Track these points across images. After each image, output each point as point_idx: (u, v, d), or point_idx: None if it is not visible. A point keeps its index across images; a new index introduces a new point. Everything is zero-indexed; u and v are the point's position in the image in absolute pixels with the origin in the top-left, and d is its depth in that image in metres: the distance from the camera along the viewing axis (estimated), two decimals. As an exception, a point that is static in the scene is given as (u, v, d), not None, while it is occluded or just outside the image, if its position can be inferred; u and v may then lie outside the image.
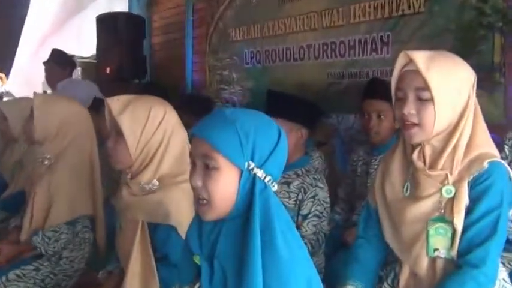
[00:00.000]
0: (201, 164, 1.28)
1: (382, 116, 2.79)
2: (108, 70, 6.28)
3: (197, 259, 1.32)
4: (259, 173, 1.24)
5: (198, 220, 1.36)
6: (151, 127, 1.92)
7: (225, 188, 1.24)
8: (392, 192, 1.77)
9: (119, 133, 1.91)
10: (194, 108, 3.95)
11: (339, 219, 2.98)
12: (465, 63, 1.69)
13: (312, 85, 4.39)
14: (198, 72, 5.91)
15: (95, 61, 6.85)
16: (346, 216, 3.00)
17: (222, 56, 5.33)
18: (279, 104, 2.46)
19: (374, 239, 1.85)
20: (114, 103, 1.92)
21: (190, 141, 1.32)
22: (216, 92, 5.26)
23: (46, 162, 2.42)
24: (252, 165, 1.24)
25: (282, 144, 1.28)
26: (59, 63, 5.17)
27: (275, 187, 1.27)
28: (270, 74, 4.98)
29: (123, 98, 1.96)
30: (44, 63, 5.24)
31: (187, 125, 3.19)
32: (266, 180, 1.25)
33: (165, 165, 1.93)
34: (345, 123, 4.08)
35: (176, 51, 6.12)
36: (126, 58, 6.17)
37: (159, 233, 1.84)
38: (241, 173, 1.24)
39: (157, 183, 1.92)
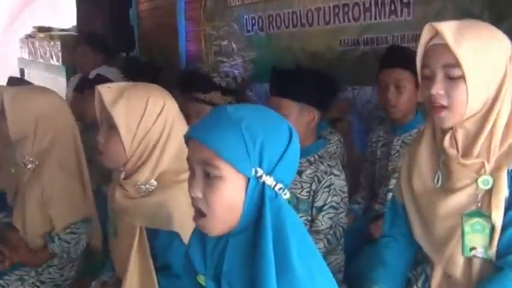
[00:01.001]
0: (201, 172, 1.25)
1: (401, 87, 2.77)
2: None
3: (201, 279, 1.30)
4: (269, 180, 1.22)
5: (199, 234, 1.34)
6: (149, 119, 1.91)
7: (230, 199, 1.22)
8: (421, 185, 1.76)
9: (111, 126, 1.90)
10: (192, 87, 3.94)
11: (358, 209, 2.98)
12: (500, 33, 1.65)
13: (322, 54, 4.36)
14: (193, 43, 5.87)
15: (75, 33, 6.83)
16: (367, 204, 3.01)
17: (219, 24, 5.28)
18: (285, 82, 2.43)
19: (401, 237, 1.85)
20: (106, 92, 1.91)
21: (187, 142, 1.30)
22: (214, 65, 5.22)
23: (30, 166, 2.41)
24: (261, 172, 1.21)
25: (294, 146, 1.26)
26: (92, 48, 5.15)
27: (287, 195, 1.25)
28: (275, 42, 4.94)
29: (116, 86, 1.94)
30: (77, 45, 5.23)
31: (185, 107, 3.23)
32: (277, 188, 1.23)
33: (165, 162, 1.92)
34: (361, 97, 4.06)
35: (167, 20, 6.07)
36: (111, 29, 6.15)
37: (159, 239, 1.83)
38: (248, 181, 1.22)
39: (155, 183, 1.92)
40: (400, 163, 2.44)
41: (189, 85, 3.13)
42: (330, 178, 2.39)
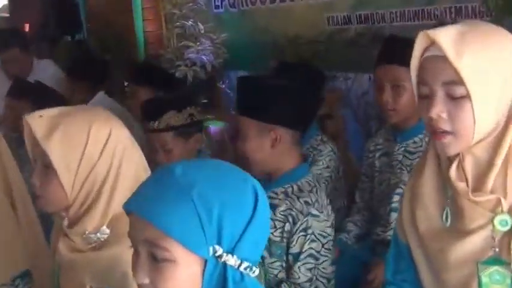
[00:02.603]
0: (146, 254, 1.23)
1: (400, 87, 2.76)
2: (26, 27, 6.18)
3: None
4: (231, 260, 1.21)
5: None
6: (93, 152, 1.88)
7: (184, 286, 1.21)
8: (427, 224, 1.76)
9: (47, 165, 1.87)
10: (154, 82, 3.94)
11: (347, 238, 2.96)
12: (509, 35, 1.62)
13: (307, 35, 4.37)
14: (151, 22, 5.83)
15: (7, 15, 6.75)
16: (365, 229, 3.02)
17: (181, 0, 5.24)
18: (243, 94, 2.44)
19: (408, 285, 1.85)
20: (37, 122, 1.87)
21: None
22: (178, 50, 5.20)
23: None
24: (220, 250, 1.20)
25: (261, 212, 1.24)
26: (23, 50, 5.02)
27: (256, 272, 1.24)
28: (250, 21, 4.93)
29: (49, 114, 1.91)
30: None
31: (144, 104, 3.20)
32: (242, 268, 1.22)
33: (117, 203, 1.88)
34: (356, 87, 4.07)
35: (118, -6, 6.04)
36: (51, 8, 6.10)
37: (113, 303, 1.82)
38: (206, 262, 1.21)
39: (107, 230, 1.90)
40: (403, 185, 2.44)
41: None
42: (307, 220, 2.34)
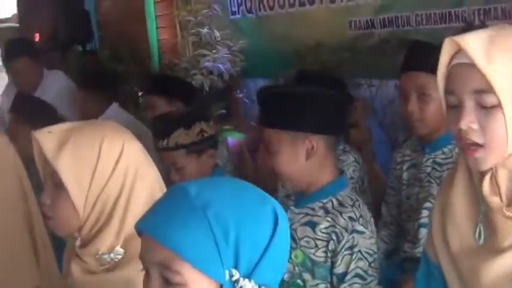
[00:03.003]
0: (158, 277, 1.22)
1: (426, 96, 2.74)
2: (36, 36, 6.24)
3: None
4: (249, 285, 1.19)
5: None
6: (105, 169, 1.87)
7: None
8: (459, 241, 1.73)
9: (57, 184, 1.87)
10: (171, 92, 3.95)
11: (381, 255, 2.94)
12: None
13: (328, 41, 4.37)
14: (165, 30, 5.86)
15: (16, 25, 6.81)
16: (392, 245, 3.00)
17: (196, 7, 5.26)
18: (269, 105, 2.40)
19: (439, 306, 1.83)
20: (46, 139, 1.87)
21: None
22: (193, 59, 5.22)
23: None
24: (237, 275, 1.18)
25: (281, 235, 1.23)
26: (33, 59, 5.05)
27: None
28: (268, 27, 4.94)
29: (58, 130, 1.90)
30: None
31: (157, 118, 3.21)
32: None
33: (131, 222, 1.88)
34: (381, 95, 4.05)
35: (132, 2, 6.09)
36: (62, 17, 6.14)
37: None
38: (221, 287, 1.19)
39: (121, 250, 1.89)
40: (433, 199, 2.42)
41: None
42: (352, 238, 2.28)
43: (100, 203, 1.88)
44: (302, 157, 2.35)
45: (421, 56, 2.78)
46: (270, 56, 4.85)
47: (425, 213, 2.74)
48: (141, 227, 1.25)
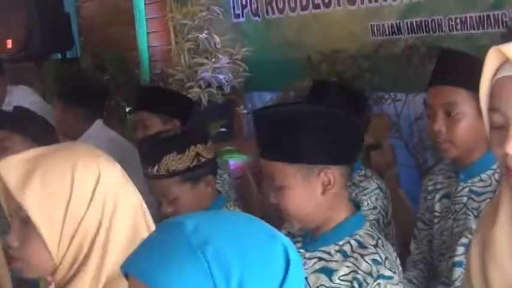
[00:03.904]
0: None
1: (455, 114, 2.73)
2: (8, 43, 6.26)
3: None
4: None
5: None
6: (79, 202, 1.86)
7: None
8: (504, 282, 1.71)
9: (25, 221, 1.85)
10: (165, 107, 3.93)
11: None
12: None
13: (347, 49, 4.36)
14: (158, 36, 5.89)
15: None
16: (423, 287, 2.98)
17: (193, 9, 5.27)
18: (269, 136, 2.32)
19: None
20: (9, 172, 1.85)
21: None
22: (189, 69, 5.23)
23: None
24: None
25: (294, 279, 1.21)
26: None
27: None
28: (277, 32, 4.95)
29: (23, 159, 1.89)
30: None
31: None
32: None
33: (112, 260, 1.87)
34: (408, 111, 4.04)
35: (119, 3, 6.13)
36: (38, 20, 6.16)
37: None
38: None
39: (102, 295, 1.88)
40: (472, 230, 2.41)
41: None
42: (378, 284, 2.24)
43: (76, 242, 1.87)
44: (317, 193, 2.31)
45: (451, 66, 2.79)
46: (278, 65, 4.85)
47: (460, 250, 2.72)
48: (128, 269, 1.23)
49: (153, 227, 1.91)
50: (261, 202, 4.16)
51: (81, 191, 1.86)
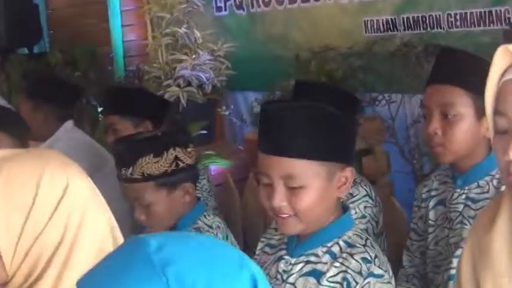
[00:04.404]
0: None
1: (452, 116, 2.74)
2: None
3: None
4: None
5: None
6: (41, 214, 1.85)
7: None
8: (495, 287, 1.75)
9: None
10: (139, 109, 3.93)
11: None
12: None
13: (338, 45, 4.38)
14: (133, 29, 5.89)
15: None
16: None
17: (172, 1, 5.27)
18: (290, 129, 2.32)
19: None
20: None
21: None
22: (167, 66, 5.23)
23: None
24: None
25: None
26: None
27: None
28: (263, 27, 4.96)
29: None
30: None
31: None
32: None
33: (73, 277, 1.86)
34: (403, 113, 4.06)
35: (91, -7, 6.12)
36: (4, 12, 6.17)
37: None
38: None
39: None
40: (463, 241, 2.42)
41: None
42: (368, 284, 2.26)
43: (33, 254, 1.85)
44: (333, 193, 2.36)
45: (450, 65, 2.79)
46: (264, 63, 4.88)
47: (456, 262, 2.72)
48: (85, 286, 1.24)
49: (119, 236, 1.93)
50: (243, 210, 4.17)
51: (45, 200, 1.85)
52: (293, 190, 2.31)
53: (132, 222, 3.12)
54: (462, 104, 2.74)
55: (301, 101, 2.80)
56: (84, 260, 1.86)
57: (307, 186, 2.31)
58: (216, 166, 4.73)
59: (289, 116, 2.37)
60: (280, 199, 2.30)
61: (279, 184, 2.30)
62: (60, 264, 1.86)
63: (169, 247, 1.21)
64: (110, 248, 1.89)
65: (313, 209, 2.33)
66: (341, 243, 2.36)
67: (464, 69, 2.65)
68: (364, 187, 3.23)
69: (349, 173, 2.36)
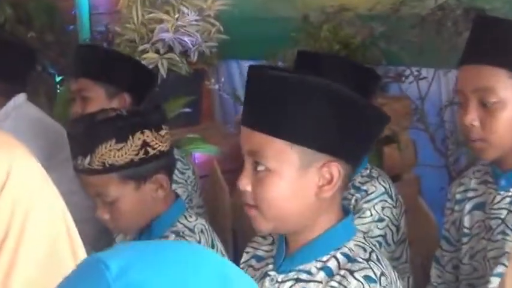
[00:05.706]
0: None
1: (492, 104, 2.73)
2: None
3: None
4: None
5: None
6: None
7: None
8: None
9: None
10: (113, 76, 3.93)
11: None
12: None
13: (355, 5, 4.41)
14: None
15: None
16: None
17: None
18: (265, 98, 2.31)
19: None
20: None
21: None
22: (144, 27, 5.24)
23: None
24: None
25: None
26: None
27: None
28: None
29: None
30: None
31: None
32: None
33: (22, 275, 1.89)
34: (436, 94, 4.07)
35: None
36: None
37: None
38: None
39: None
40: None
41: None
42: None
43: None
44: (310, 191, 2.33)
45: (489, 39, 2.78)
46: (263, 26, 4.91)
47: (495, 281, 2.73)
48: None
49: (76, 237, 1.95)
50: (234, 209, 4.17)
51: None
52: (258, 173, 2.31)
53: (97, 221, 3.12)
54: (504, 89, 2.73)
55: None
56: (36, 257, 1.90)
57: (274, 172, 2.29)
58: (201, 153, 4.73)
59: (267, 85, 2.37)
60: (245, 182, 2.32)
61: (248, 162, 2.32)
62: (6, 263, 1.87)
63: (134, 270, 1.21)
64: (63, 241, 1.92)
65: (278, 203, 2.32)
66: (339, 256, 2.36)
67: (508, 44, 2.64)
68: (383, 183, 3.24)
69: (335, 169, 2.32)
